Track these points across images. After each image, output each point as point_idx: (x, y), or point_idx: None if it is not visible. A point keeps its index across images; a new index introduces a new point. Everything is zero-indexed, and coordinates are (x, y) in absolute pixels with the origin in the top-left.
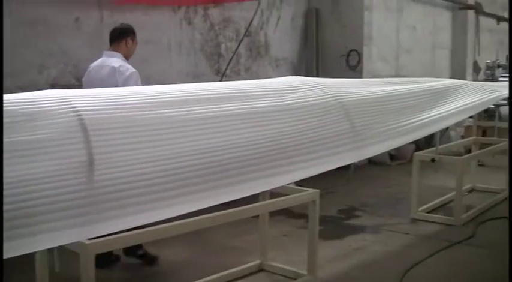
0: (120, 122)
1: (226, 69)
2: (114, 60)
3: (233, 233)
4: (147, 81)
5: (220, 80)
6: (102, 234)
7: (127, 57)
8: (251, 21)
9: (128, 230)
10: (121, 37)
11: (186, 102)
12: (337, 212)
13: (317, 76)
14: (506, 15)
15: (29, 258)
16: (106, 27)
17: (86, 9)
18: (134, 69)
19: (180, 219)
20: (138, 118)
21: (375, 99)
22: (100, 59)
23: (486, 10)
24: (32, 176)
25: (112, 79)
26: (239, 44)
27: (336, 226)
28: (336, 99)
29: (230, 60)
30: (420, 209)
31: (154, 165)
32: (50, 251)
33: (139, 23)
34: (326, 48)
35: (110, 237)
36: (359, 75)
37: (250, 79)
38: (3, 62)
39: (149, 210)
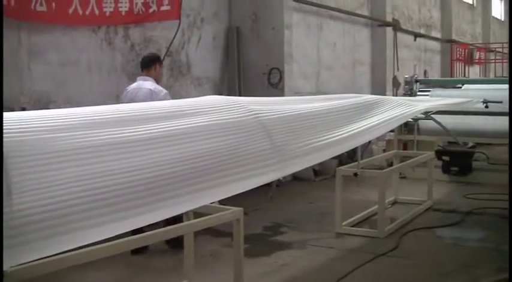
0: (37, 144)
1: None
2: (148, 84)
3: (157, 253)
4: (67, 103)
5: None
6: (25, 261)
7: (157, 80)
8: (172, 41)
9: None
10: (150, 64)
11: (107, 123)
12: (263, 229)
13: (239, 94)
14: (422, 31)
15: None
16: (24, 49)
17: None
18: (166, 90)
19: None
20: (58, 140)
21: (295, 116)
22: (136, 83)
23: (403, 27)
24: None
25: (150, 99)
26: None
27: (262, 243)
28: (255, 117)
29: None
30: (344, 223)
31: (76, 186)
32: None
33: (58, 44)
34: (248, 66)
35: (33, 263)
36: (281, 92)
37: (171, 99)
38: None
39: (74, 231)
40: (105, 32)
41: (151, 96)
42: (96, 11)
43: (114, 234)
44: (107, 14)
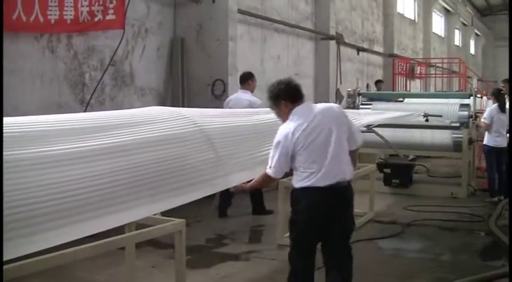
0: None
1: (90, 99)
2: (247, 95)
3: (98, 266)
4: (7, 111)
5: (85, 110)
6: None
7: (252, 92)
8: (116, 51)
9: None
10: (246, 80)
11: (43, 135)
12: (206, 240)
13: (183, 105)
14: (365, 45)
15: None
16: None
17: None
18: (260, 101)
19: (41, 254)
20: None
21: (238, 128)
22: (237, 94)
23: (347, 41)
24: None
25: (249, 107)
26: (104, 73)
27: (204, 255)
28: (200, 129)
29: (95, 89)
30: (286, 235)
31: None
32: None
33: (4, 51)
34: (192, 77)
35: None
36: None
37: (115, 109)
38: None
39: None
40: (47, 40)
41: (250, 106)
42: (41, 18)
43: (54, 244)
44: (52, 21)
